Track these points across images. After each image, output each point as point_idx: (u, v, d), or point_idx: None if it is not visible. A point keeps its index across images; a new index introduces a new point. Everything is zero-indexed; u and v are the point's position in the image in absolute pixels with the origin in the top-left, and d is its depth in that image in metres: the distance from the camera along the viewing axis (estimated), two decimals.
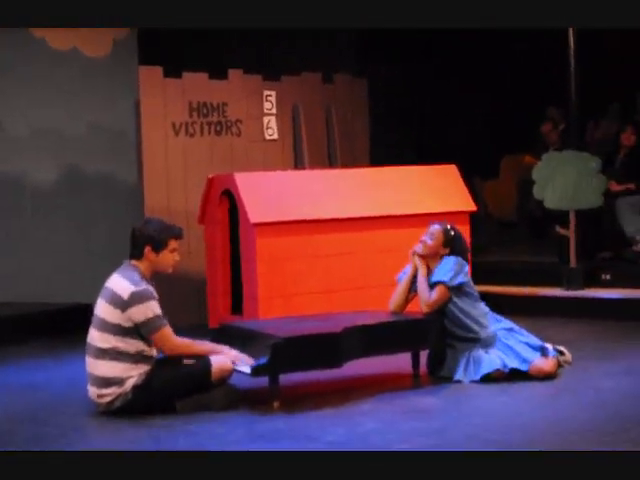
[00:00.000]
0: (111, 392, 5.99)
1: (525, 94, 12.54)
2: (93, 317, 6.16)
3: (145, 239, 6.14)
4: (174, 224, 6.35)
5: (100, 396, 6.03)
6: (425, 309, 6.75)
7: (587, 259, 9.76)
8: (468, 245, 7.18)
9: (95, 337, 6.06)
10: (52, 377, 7.45)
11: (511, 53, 12.36)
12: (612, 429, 5.37)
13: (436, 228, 6.90)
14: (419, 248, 6.88)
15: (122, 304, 5.97)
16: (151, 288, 6.10)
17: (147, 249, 6.14)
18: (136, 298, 5.97)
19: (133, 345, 6.00)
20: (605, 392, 6.26)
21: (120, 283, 6.05)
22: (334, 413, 5.97)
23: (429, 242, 6.87)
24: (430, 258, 6.88)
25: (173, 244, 6.20)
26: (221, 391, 6.09)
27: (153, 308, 6.00)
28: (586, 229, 9.75)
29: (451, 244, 6.87)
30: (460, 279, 6.75)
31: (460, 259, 6.83)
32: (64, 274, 10.67)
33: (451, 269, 6.75)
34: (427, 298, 6.75)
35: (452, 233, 6.90)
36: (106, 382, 5.99)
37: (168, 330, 6.06)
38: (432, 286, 6.78)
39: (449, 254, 6.86)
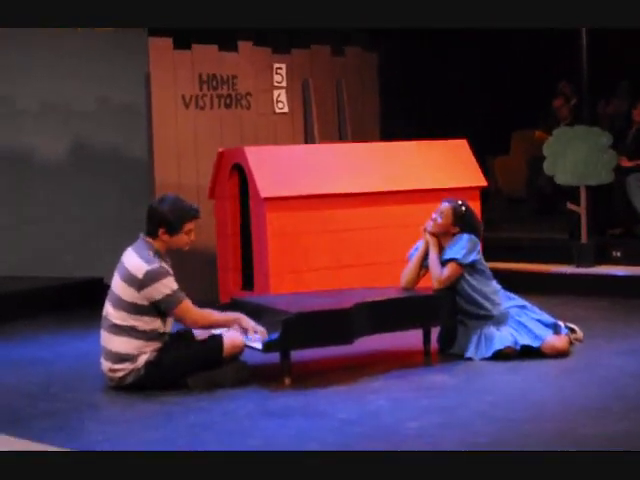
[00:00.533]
0: (124, 367, 6.00)
1: (537, 69, 12.47)
2: (109, 291, 6.15)
3: (159, 220, 6.06)
4: (191, 204, 6.22)
5: (112, 371, 6.04)
6: (436, 285, 6.75)
7: (598, 235, 9.74)
8: (480, 222, 7.13)
9: (110, 312, 6.06)
10: (62, 352, 7.47)
11: (523, 28, 12.27)
12: (620, 408, 5.37)
13: (445, 206, 6.87)
14: (429, 226, 6.87)
15: (137, 283, 5.96)
16: (165, 265, 6.07)
17: (161, 231, 6.07)
18: (151, 277, 5.94)
19: (148, 323, 6.00)
20: (615, 371, 6.25)
21: (134, 261, 6.02)
22: (345, 390, 5.97)
23: (439, 220, 6.85)
24: (441, 235, 6.86)
25: (189, 226, 6.14)
26: (232, 367, 6.10)
27: (169, 284, 5.98)
28: (597, 205, 9.72)
29: (462, 222, 6.84)
30: (473, 257, 6.73)
31: (473, 237, 6.80)
32: (73, 248, 10.70)
33: (464, 247, 6.73)
34: (439, 274, 6.74)
35: (463, 210, 6.87)
36: (119, 357, 6.01)
37: (187, 303, 6.04)
38: (444, 263, 6.77)
39: (461, 232, 6.84)
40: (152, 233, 6.11)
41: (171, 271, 6.10)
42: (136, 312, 5.99)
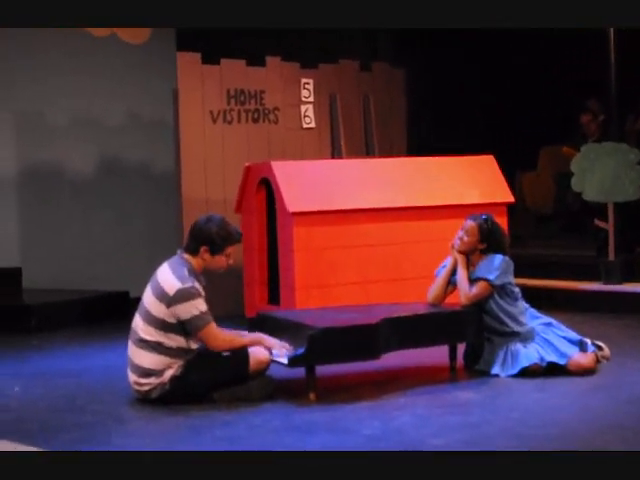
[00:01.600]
0: (149, 382, 6.02)
1: (565, 84, 12.43)
2: (140, 303, 6.17)
3: (204, 239, 6.08)
4: (236, 228, 6.26)
5: (138, 384, 6.06)
6: (464, 301, 6.72)
7: (625, 253, 9.69)
8: (507, 236, 7.09)
9: (139, 326, 6.08)
10: (90, 365, 7.50)
11: (551, 42, 12.26)
12: None
13: (470, 223, 6.84)
14: (457, 244, 6.84)
15: (167, 300, 5.96)
16: (197, 285, 6.06)
17: (203, 249, 6.09)
18: (182, 295, 5.95)
19: (175, 340, 6.01)
20: None
21: (168, 278, 6.02)
22: (370, 406, 5.96)
23: (465, 238, 6.82)
24: (470, 252, 6.84)
25: (230, 249, 6.17)
26: (258, 382, 6.10)
27: (198, 306, 5.98)
28: (624, 222, 9.68)
29: (488, 237, 6.82)
30: (505, 279, 6.71)
31: (507, 258, 6.78)
32: (102, 262, 10.76)
33: (497, 267, 6.70)
34: (467, 291, 6.71)
35: (488, 226, 6.84)
36: (145, 372, 6.02)
37: (213, 327, 6.04)
38: (475, 280, 6.74)
39: (488, 247, 6.81)
40: (193, 250, 6.11)
41: (203, 292, 6.10)
42: (163, 329, 5.99)
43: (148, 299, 6.08)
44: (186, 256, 6.13)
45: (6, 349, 8.24)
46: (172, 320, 5.98)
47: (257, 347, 6.16)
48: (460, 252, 6.83)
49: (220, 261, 6.16)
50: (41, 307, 9.20)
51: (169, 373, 6.01)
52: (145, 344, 6.02)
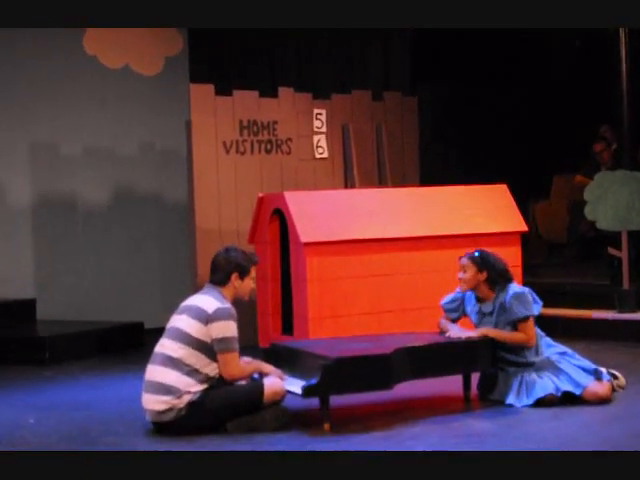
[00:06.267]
0: (167, 400, 6.01)
1: (578, 113, 12.45)
2: (167, 330, 6.25)
3: (233, 266, 6.32)
4: (251, 252, 6.56)
5: (155, 402, 6.05)
6: (531, 343, 6.69)
7: None
8: (504, 261, 7.00)
9: (168, 346, 6.14)
10: (104, 396, 7.49)
11: (563, 72, 12.30)
12: None
13: (464, 261, 6.85)
14: (460, 288, 6.89)
15: (206, 317, 6.10)
16: (234, 311, 6.21)
17: (234, 276, 6.30)
18: (221, 313, 6.11)
19: (204, 362, 6.08)
20: None
21: (206, 300, 6.20)
22: (385, 436, 5.94)
23: (464, 276, 6.83)
24: (475, 288, 6.83)
25: (253, 271, 6.42)
26: (272, 412, 6.11)
27: (232, 328, 6.13)
28: (638, 250, 9.65)
29: (485, 265, 6.79)
30: (536, 309, 6.75)
31: (525, 288, 6.82)
32: (116, 293, 10.77)
33: (529, 300, 6.72)
34: (524, 337, 6.66)
35: (480, 255, 6.83)
36: (165, 389, 6.02)
37: (235, 356, 6.15)
38: (518, 322, 6.69)
39: (490, 276, 6.78)
40: (223, 280, 6.31)
41: (237, 318, 6.24)
42: (199, 349, 6.08)
43: (184, 322, 6.16)
44: (217, 287, 6.30)
45: (20, 381, 8.24)
46: (207, 340, 6.08)
47: (273, 378, 6.22)
48: (465, 291, 6.85)
49: (248, 285, 6.39)
50: (55, 339, 9.19)
51: (187, 398, 6.01)
52: (173, 362, 6.07)
